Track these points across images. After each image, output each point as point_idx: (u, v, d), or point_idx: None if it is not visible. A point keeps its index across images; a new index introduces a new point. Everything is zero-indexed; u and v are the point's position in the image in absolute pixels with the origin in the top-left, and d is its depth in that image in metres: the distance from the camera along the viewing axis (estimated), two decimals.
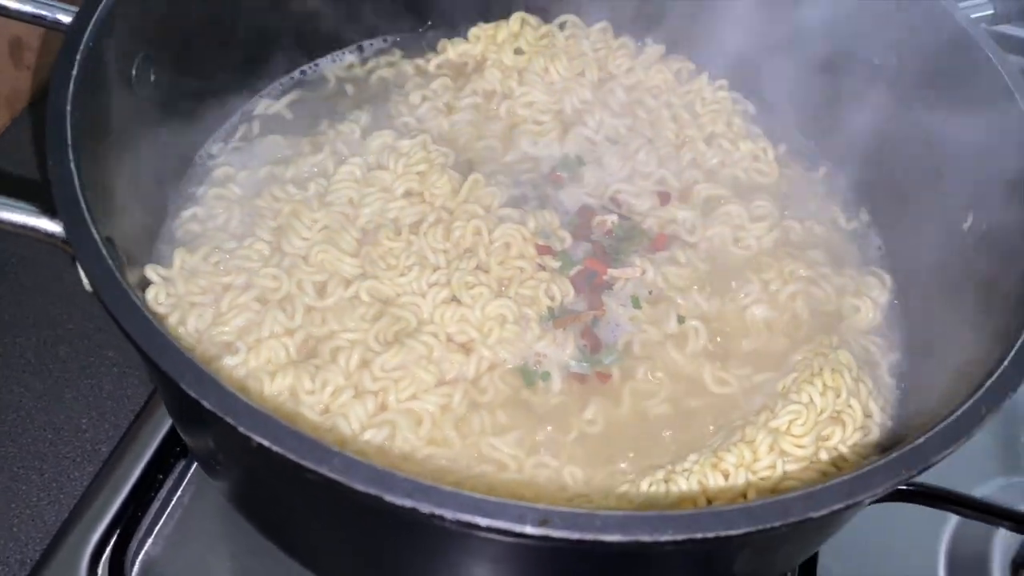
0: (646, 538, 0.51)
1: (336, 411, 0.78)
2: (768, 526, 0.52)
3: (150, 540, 0.95)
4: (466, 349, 0.85)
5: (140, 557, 0.94)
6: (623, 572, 0.62)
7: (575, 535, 0.51)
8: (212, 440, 0.67)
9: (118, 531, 0.94)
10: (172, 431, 0.99)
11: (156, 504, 0.96)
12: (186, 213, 0.92)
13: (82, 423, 1.04)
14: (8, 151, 1.23)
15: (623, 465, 0.81)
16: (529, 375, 0.85)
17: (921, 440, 0.58)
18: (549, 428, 0.82)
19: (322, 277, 0.87)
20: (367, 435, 0.77)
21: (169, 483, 0.98)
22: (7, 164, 1.22)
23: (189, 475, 0.99)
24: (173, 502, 0.97)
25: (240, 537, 0.96)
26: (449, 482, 0.73)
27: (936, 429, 0.58)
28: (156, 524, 0.96)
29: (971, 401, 0.60)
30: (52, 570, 0.91)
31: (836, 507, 0.54)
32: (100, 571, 0.92)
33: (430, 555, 0.65)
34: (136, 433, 1.00)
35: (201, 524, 0.97)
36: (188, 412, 0.67)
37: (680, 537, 0.51)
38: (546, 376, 0.85)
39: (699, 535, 0.51)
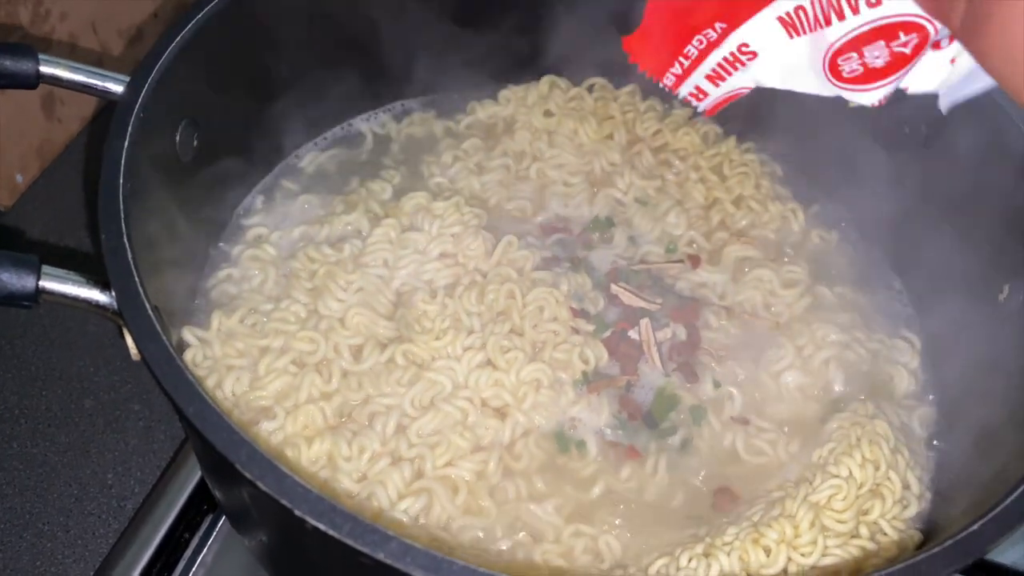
0: None
1: (373, 478, 0.78)
2: None
3: None
4: (501, 414, 0.85)
5: None
6: None
7: None
8: (255, 511, 0.67)
9: None
10: (198, 489, 0.99)
11: (182, 564, 0.96)
12: (221, 273, 0.92)
13: (108, 478, 1.04)
14: (40, 202, 1.24)
15: (660, 534, 0.80)
16: (564, 442, 0.85)
17: (976, 526, 0.57)
18: (585, 495, 0.82)
19: (358, 340, 0.87)
20: (404, 504, 0.76)
21: (195, 542, 0.97)
22: (39, 215, 1.23)
23: (214, 534, 0.98)
24: (198, 562, 0.97)
25: None
26: (488, 556, 0.73)
27: (992, 514, 0.58)
28: None
29: None
30: None
31: None
32: None
33: None
34: (162, 491, 1.00)
35: None
36: (234, 484, 0.67)
37: None
38: (581, 445, 0.85)
39: None
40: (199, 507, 0.99)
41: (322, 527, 0.51)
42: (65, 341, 1.14)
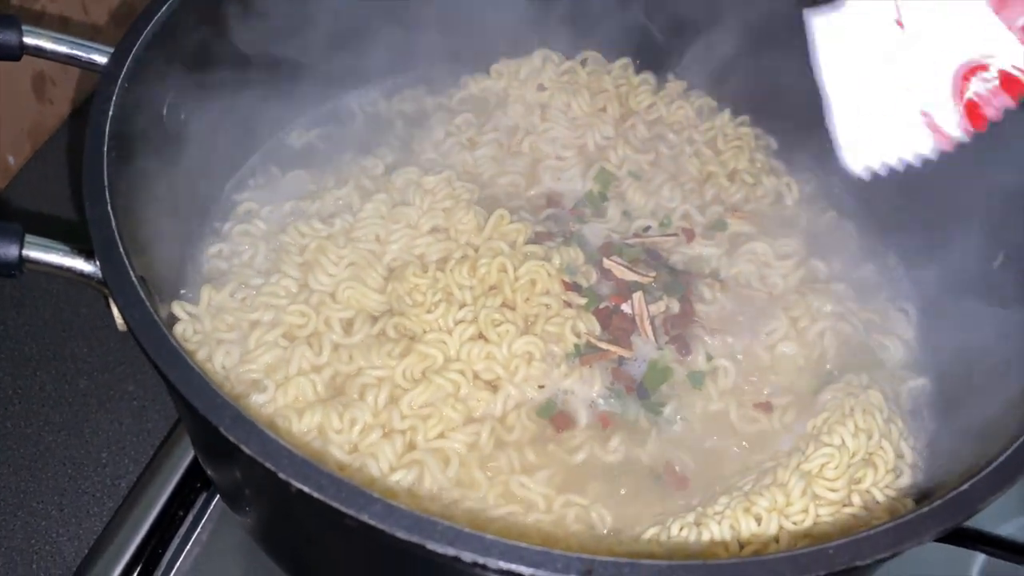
0: None
1: (365, 451, 0.78)
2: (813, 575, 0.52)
3: None
4: (493, 387, 0.85)
5: None
6: None
7: None
8: (244, 480, 0.67)
9: (139, 568, 0.93)
10: (192, 467, 0.99)
11: (176, 541, 0.96)
12: (212, 249, 0.92)
13: (102, 457, 1.04)
14: (32, 183, 1.24)
15: (652, 505, 0.80)
16: (550, 412, 0.84)
17: (966, 487, 0.57)
18: (577, 466, 0.82)
19: (349, 314, 0.86)
20: (396, 476, 0.76)
21: (189, 520, 0.97)
22: (31, 196, 1.23)
23: (209, 511, 0.98)
24: (192, 539, 0.97)
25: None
26: (479, 524, 0.73)
27: (981, 475, 0.58)
28: (176, 561, 0.95)
29: (1014, 447, 0.60)
30: None
31: (881, 556, 0.53)
32: None
33: None
34: (156, 469, 1.00)
35: (219, 562, 0.96)
36: (221, 453, 0.67)
37: None
38: (567, 417, 0.84)
39: None
40: (193, 485, 0.98)
41: (306, 490, 0.51)
42: (58, 322, 1.14)
